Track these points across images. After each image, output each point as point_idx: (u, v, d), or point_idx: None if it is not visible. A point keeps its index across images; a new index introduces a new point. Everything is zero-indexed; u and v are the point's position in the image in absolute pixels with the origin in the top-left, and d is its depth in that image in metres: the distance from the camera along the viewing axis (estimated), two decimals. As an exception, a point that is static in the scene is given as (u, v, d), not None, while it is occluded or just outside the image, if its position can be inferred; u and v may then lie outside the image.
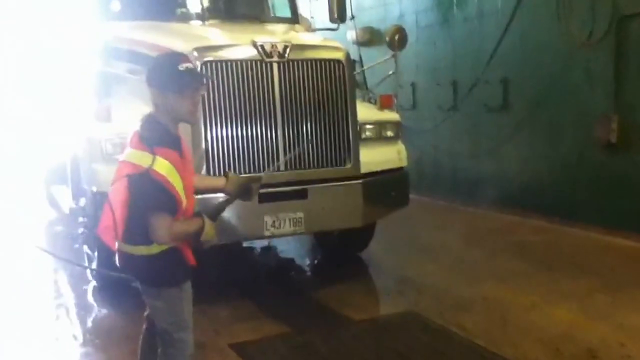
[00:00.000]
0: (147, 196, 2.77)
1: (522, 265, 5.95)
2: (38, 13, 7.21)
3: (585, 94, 7.16)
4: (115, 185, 2.91)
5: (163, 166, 2.78)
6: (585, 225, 6.99)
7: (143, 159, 2.79)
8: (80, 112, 5.34)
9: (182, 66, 2.89)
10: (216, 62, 4.83)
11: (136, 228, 2.85)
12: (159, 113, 2.92)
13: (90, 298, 5.54)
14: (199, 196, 3.26)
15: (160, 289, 3.01)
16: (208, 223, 2.93)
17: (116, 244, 2.98)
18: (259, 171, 4.82)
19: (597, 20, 6.89)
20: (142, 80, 4.86)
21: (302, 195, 5.02)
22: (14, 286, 5.90)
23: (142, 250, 2.90)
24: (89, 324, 5.01)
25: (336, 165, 5.20)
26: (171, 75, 2.86)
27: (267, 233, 4.99)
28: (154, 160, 2.77)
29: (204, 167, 4.76)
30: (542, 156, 7.77)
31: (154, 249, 2.88)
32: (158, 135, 2.86)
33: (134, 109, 4.90)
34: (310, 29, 6.95)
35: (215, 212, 3.07)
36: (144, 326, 3.32)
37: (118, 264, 3.05)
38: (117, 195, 2.87)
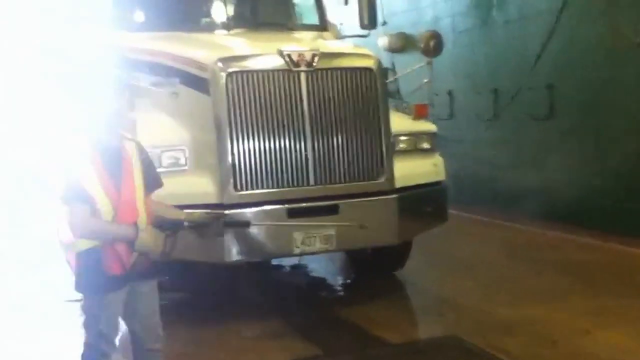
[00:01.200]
0: (65, 187, 3.19)
1: (569, 285, 5.93)
2: (60, 26, 7.50)
3: (639, 99, 7.09)
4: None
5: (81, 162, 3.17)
6: (640, 243, 6.90)
7: None
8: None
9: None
10: (241, 72, 5.01)
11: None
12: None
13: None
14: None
15: (84, 296, 3.33)
16: (150, 232, 3.24)
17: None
18: (288, 186, 4.98)
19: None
20: (166, 93, 5.16)
21: (333, 210, 5.13)
22: (37, 303, 6.10)
23: (72, 246, 3.25)
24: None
25: (369, 179, 5.30)
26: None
27: (296, 251, 5.11)
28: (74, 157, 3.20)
29: (231, 181, 4.92)
30: (591, 167, 7.71)
31: (80, 244, 3.21)
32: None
33: (158, 122, 5.17)
34: (339, 36, 7.08)
35: (167, 225, 3.41)
36: None
37: None
38: None
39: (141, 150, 3.45)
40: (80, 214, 3.13)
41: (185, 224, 3.56)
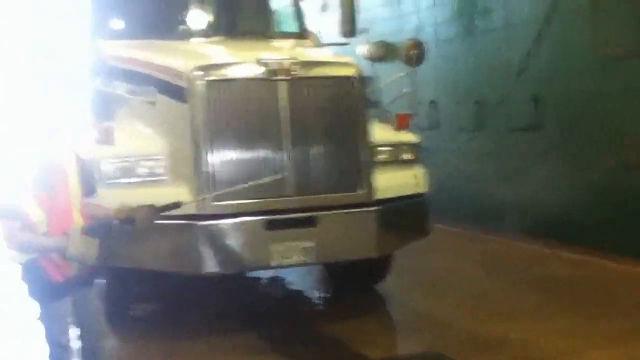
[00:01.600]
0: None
1: (553, 302, 6.00)
2: (34, 31, 7.59)
3: (627, 112, 7.13)
4: None
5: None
6: (628, 260, 6.92)
7: None
8: (79, 134, 5.62)
9: None
10: (220, 81, 5.11)
11: None
12: None
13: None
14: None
15: (39, 305, 3.51)
16: (80, 240, 3.38)
17: None
18: (266, 197, 5.08)
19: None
20: (143, 102, 5.25)
21: (311, 223, 5.22)
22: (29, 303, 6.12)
23: (17, 257, 3.42)
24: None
25: (348, 191, 5.39)
26: None
27: (274, 263, 5.19)
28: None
29: (208, 192, 4.99)
30: (576, 182, 7.75)
31: (22, 256, 3.40)
32: None
33: (135, 132, 5.25)
34: (319, 44, 7.19)
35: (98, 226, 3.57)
36: None
37: None
38: None
39: (78, 158, 3.63)
40: (9, 229, 3.29)
41: (115, 221, 3.75)
